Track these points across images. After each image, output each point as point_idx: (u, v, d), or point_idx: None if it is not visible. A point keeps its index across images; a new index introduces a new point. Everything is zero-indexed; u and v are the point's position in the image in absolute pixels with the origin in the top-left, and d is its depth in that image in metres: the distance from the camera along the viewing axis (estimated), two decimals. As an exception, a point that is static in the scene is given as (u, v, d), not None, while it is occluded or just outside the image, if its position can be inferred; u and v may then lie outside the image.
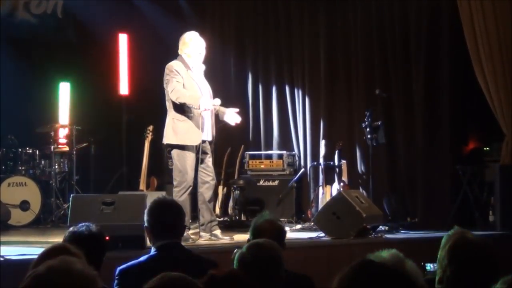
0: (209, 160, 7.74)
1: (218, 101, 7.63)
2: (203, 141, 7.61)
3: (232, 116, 7.91)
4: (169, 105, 7.65)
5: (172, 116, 7.63)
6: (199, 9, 11.77)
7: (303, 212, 10.62)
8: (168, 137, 7.67)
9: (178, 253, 4.11)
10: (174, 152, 7.66)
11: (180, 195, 7.50)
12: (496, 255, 3.07)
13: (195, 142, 7.55)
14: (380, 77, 10.17)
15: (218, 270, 2.65)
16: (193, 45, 7.73)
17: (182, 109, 7.55)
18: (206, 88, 7.76)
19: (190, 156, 7.56)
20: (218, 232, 7.64)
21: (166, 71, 7.62)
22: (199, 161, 7.59)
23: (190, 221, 7.76)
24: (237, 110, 8.02)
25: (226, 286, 2.54)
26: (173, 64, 7.64)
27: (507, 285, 2.32)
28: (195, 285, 2.26)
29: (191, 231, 7.68)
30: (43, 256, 2.89)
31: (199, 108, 7.40)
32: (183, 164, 7.55)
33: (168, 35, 11.58)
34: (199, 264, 4.03)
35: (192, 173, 7.57)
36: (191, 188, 7.59)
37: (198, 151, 7.56)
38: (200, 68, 7.78)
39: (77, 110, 11.42)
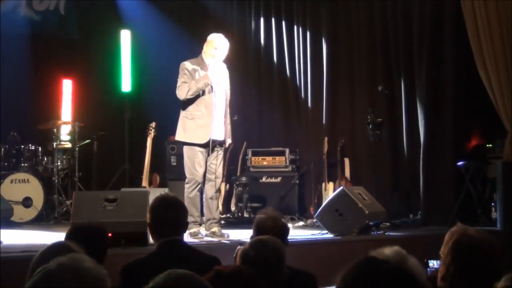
0: (216, 158, 7.77)
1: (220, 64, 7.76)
2: (213, 141, 7.65)
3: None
4: (180, 103, 7.77)
5: (183, 114, 7.76)
6: (201, 6, 11.77)
7: (305, 209, 10.62)
8: (178, 134, 7.81)
9: (180, 250, 4.11)
10: (184, 149, 7.78)
11: (190, 192, 7.64)
12: (500, 250, 3.06)
13: (202, 140, 7.61)
14: (383, 73, 10.16)
15: (224, 266, 2.65)
16: (209, 45, 7.80)
17: (191, 107, 7.67)
18: (221, 88, 7.78)
19: (200, 154, 7.64)
20: (215, 229, 7.69)
21: (179, 69, 7.73)
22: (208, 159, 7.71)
23: (202, 217, 7.86)
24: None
25: (231, 282, 2.53)
26: (185, 63, 7.78)
27: (510, 282, 2.31)
28: (202, 282, 2.26)
29: (202, 227, 7.78)
30: (44, 254, 2.89)
31: (211, 81, 7.58)
32: (192, 161, 7.66)
33: (170, 32, 11.62)
34: (201, 261, 4.03)
35: (202, 170, 7.66)
36: (200, 185, 7.66)
37: (208, 149, 7.63)
38: (218, 68, 7.77)
39: (80, 107, 11.42)
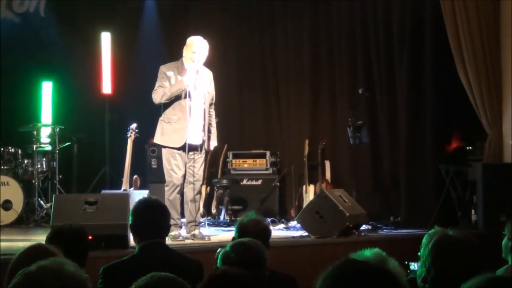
0: (197, 161, 7.74)
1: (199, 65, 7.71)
2: (189, 145, 7.62)
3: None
4: (160, 106, 7.80)
5: (160, 117, 7.77)
6: (182, 8, 11.75)
7: (286, 211, 10.62)
8: (156, 138, 7.86)
9: (162, 252, 4.11)
10: (163, 152, 7.80)
11: (170, 194, 7.66)
12: (480, 249, 3.07)
13: (177, 144, 7.61)
14: (364, 76, 10.19)
15: (229, 268, 2.61)
16: (188, 49, 7.77)
17: (168, 111, 7.69)
18: (198, 92, 7.73)
19: (178, 156, 7.63)
20: (196, 232, 7.69)
21: (158, 72, 7.70)
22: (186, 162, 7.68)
23: (181, 220, 7.85)
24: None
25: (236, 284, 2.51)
26: (164, 66, 7.80)
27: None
28: (184, 285, 2.26)
29: (183, 230, 7.76)
30: (23, 257, 2.87)
31: (186, 87, 7.52)
32: (170, 164, 7.68)
33: (151, 34, 11.60)
34: (183, 264, 4.03)
35: (181, 173, 7.65)
36: (179, 187, 7.64)
37: (186, 151, 7.61)
38: (197, 72, 7.71)
39: (60, 109, 11.36)
